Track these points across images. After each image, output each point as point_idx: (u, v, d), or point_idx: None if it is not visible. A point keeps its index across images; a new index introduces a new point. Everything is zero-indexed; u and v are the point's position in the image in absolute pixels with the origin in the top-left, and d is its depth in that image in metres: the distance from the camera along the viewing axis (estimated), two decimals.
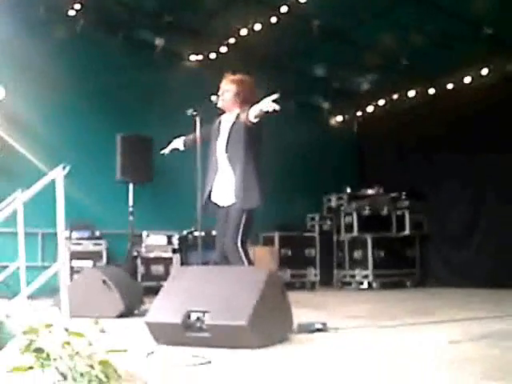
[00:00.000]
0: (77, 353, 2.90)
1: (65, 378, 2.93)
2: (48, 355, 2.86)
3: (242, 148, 5.63)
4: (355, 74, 11.79)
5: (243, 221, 5.54)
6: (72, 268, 9.22)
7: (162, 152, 6.43)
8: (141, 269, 9.89)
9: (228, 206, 5.69)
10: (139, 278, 9.74)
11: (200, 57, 11.18)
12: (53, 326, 2.89)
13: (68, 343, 2.75)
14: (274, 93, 5.24)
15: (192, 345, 3.99)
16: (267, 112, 5.30)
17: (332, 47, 10.54)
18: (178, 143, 6.30)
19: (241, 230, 5.52)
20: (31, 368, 2.67)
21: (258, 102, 5.72)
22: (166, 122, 9.49)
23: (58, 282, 5.23)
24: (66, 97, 9.66)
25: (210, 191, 5.79)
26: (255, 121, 5.44)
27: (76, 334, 2.80)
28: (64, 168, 4.47)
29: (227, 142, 5.73)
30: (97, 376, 2.86)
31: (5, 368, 2.71)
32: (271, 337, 4.16)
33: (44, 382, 3.00)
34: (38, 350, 2.78)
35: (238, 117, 5.74)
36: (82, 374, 2.88)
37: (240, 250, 5.49)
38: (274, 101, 5.20)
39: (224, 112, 5.96)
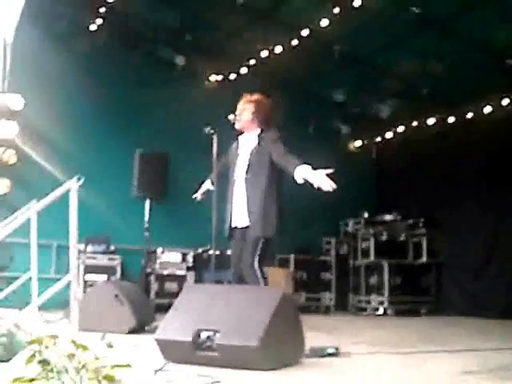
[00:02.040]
0: (83, 366, 2.85)
1: None
2: (54, 367, 2.81)
3: (266, 175, 5.57)
4: (375, 100, 11.73)
5: (260, 246, 5.51)
6: (86, 282, 9.21)
7: (195, 197, 6.40)
8: (154, 285, 9.85)
9: (243, 228, 5.66)
10: (152, 295, 9.70)
11: (220, 77, 11.19)
12: (58, 338, 2.84)
13: (73, 355, 2.70)
14: (327, 167, 5.09)
15: (201, 364, 3.92)
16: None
17: (352, 72, 10.49)
18: (207, 185, 6.27)
19: (258, 254, 5.49)
20: (33, 380, 2.62)
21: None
22: (184, 140, 9.54)
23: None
24: (85, 110, 9.73)
25: (231, 216, 5.76)
26: (300, 181, 5.19)
27: (82, 347, 2.76)
28: (79, 179, 4.44)
29: (248, 166, 5.67)
30: None
31: (7, 379, 2.66)
32: (282, 359, 4.09)
33: None
34: (43, 362, 2.73)
35: (260, 140, 5.68)
36: None
37: (257, 270, 5.44)
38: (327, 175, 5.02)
39: (242, 133, 5.93)
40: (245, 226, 5.65)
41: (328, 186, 5.00)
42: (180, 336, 4.12)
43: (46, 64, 9.38)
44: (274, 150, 5.50)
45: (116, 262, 9.64)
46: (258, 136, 5.70)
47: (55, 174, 8.92)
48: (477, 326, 8.34)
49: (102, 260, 9.56)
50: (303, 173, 5.16)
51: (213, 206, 5.70)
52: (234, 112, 5.85)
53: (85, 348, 2.78)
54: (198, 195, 6.36)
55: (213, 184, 6.14)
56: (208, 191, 6.27)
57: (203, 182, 6.30)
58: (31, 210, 4.74)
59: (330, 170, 5.07)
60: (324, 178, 5.03)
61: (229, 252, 9.27)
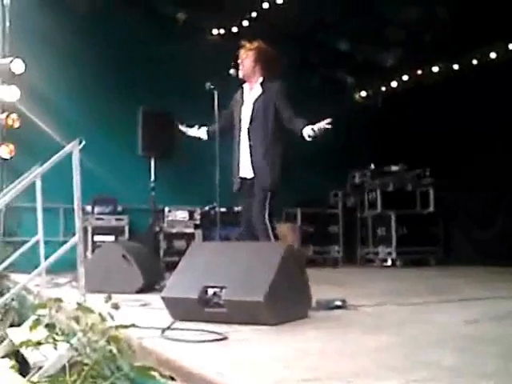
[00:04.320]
0: (90, 328, 2.88)
1: (79, 353, 2.92)
2: (61, 330, 2.85)
3: (269, 125, 5.65)
4: (380, 49, 11.62)
5: (268, 197, 5.57)
6: (94, 243, 9.27)
7: (180, 127, 6.37)
8: (163, 244, 9.92)
9: (250, 180, 5.70)
10: (161, 254, 9.77)
11: (222, 31, 11.11)
12: (64, 302, 2.87)
13: (78, 318, 2.74)
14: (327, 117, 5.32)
15: (209, 321, 3.96)
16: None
17: (356, 22, 10.37)
18: (202, 133, 6.21)
19: (267, 206, 5.55)
20: (40, 343, 2.66)
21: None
22: (188, 97, 9.45)
23: None
24: (87, 71, 9.69)
25: (238, 167, 5.80)
26: (307, 138, 5.42)
27: (87, 310, 2.78)
28: (80, 142, 4.43)
29: (252, 116, 5.71)
30: (111, 351, 2.85)
31: (15, 343, 2.70)
32: (288, 313, 4.12)
33: (58, 358, 2.99)
34: (50, 326, 2.77)
35: (264, 89, 5.72)
36: (95, 350, 2.86)
37: (268, 225, 5.53)
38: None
39: (244, 82, 5.95)
40: (250, 177, 5.71)
41: (325, 124, 5.29)
42: (187, 293, 4.16)
43: (46, 26, 9.31)
44: (283, 111, 5.63)
45: (124, 222, 9.71)
46: (261, 85, 5.75)
47: (57, 137, 8.89)
48: (484, 275, 8.35)
49: (110, 221, 9.63)
50: (308, 128, 5.35)
51: (216, 164, 5.72)
52: (234, 65, 5.86)
53: (90, 311, 2.81)
54: (185, 129, 6.30)
55: (208, 137, 6.11)
56: (198, 139, 6.22)
57: (202, 126, 6.23)
58: (35, 174, 4.75)
59: (328, 120, 5.30)
60: (322, 123, 5.29)
61: (236, 209, 9.34)
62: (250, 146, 5.70)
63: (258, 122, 5.69)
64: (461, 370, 2.65)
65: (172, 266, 4.74)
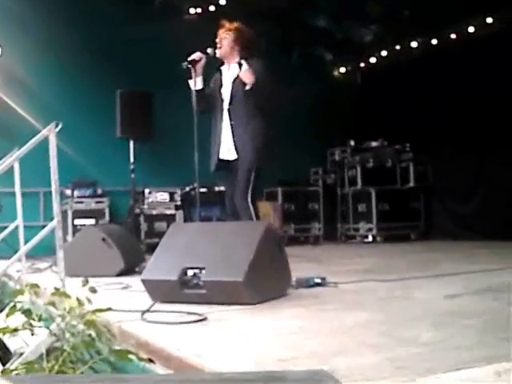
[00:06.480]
0: (68, 312, 2.87)
1: (58, 338, 2.91)
2: (37, 316, 2.83)
3: (251, 104, 5.62)
4: (358, 25, 11.57)
5: (252, 179, 5.56)
6: (75, 226, 9.24)
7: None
8: (144, 226, 9.89)
9: (234, 161, 5.70)
10: (142, 236, 9.75)
11: (199, 9, 11.01)
12: (40, 287, 2.85)
13: (55, 303, 2.72)
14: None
15: (189, 302, 3.96)
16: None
17: None
18: (199, 83, 5.82)
19: (251, 187, 5.55)
20: (16, 330, 2.64)
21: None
22: (166, 77, 9.38)
23: None
24: (64, 54, 9.60)
25: (219, 148, 5.78)
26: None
27: (63, 295, 2.77)
28: (57, 125, 4.39)
29: (231, 97, 5.71)
30: (90, 335, 2.84)
31: None
32: (268, 292, 4.12)
33: (37, 344, 2.98)
34: (27, 312, 2.75)
35: (241, 68, 5.69)
36: (73, 334, 2.85)
37: (251, 206, 5.54)
38: None
39: (223, 63, 5.91)
40: (233, 158, 5.70)
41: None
42: (166, 275, 4.15)
43: (21, 9, 9.23)
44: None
45: (104, 205, 9.67)
46: (239, 64, 5.70)
47: (34, 122, 8.82)
48: (465, 250, 8.37)
49: (90, 204, 9.58)
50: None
51: (195, 144, 5.68)
52: (212, 44, 5.82)
53: (66, 295, 2.79)
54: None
55: (201, 91, 5.80)
56: (201, 90, 5.83)
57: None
58: (12, 158, 4.70)
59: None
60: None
61: (216, 188, 9.34)
62: (232, 125, 5.70)
63: (238, 101, 5.70)
64: (440, 345, 2.67)
65: (153, 248, 4.72)
